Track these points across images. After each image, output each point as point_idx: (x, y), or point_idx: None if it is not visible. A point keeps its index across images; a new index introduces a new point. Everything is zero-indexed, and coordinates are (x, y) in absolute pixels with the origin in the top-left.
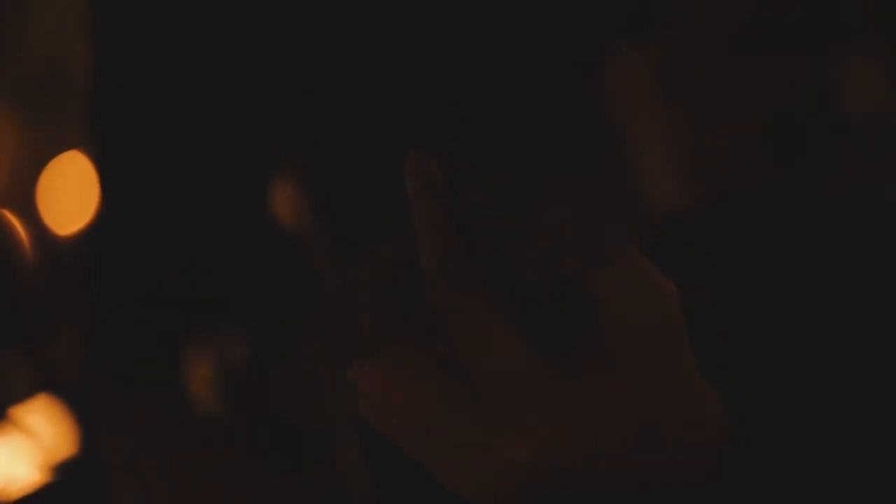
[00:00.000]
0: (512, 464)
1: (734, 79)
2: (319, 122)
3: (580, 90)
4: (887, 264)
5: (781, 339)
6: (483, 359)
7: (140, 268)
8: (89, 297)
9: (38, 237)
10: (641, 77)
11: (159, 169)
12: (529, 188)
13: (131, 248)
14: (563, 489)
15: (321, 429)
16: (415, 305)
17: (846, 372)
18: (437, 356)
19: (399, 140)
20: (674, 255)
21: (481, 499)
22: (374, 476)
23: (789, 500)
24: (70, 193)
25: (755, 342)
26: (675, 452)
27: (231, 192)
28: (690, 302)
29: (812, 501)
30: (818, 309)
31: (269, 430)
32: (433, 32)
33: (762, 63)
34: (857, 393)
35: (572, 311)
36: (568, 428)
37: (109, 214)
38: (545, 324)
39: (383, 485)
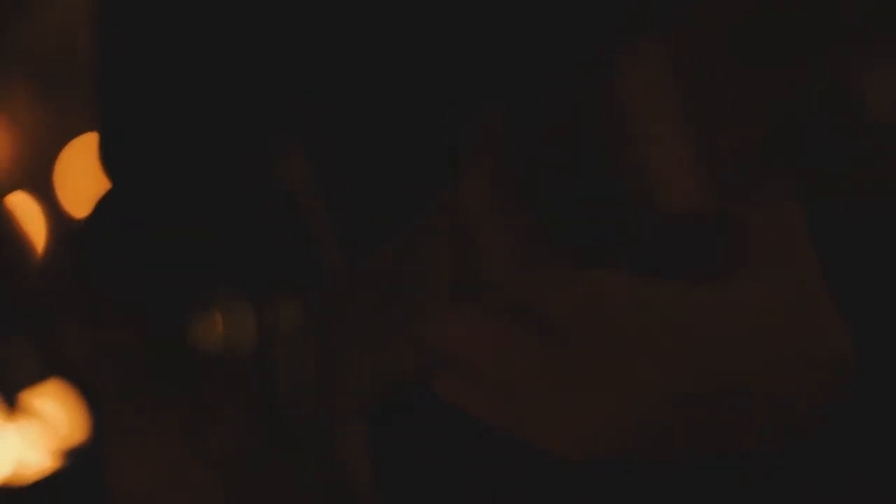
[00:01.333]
0: (611, 410)
1: (736, 79)
2: (320, 120)
3: (580, 90)
4: (889, 265)
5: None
6: (571, 306)
7: (142, 258)
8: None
9: (55, 219)
10: (643, 77)
11: (163, 158)
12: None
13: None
14: (660, 439)
15: (322, 427)
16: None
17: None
18: (516, 310)
19: (400, 139)
20: (678, 253)
21: (576, 451)
22: (375, 476)
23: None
24: (87, 176)
25: None
26: (799, 379)
27: (233, 185)
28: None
29: None
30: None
31: (269, 428)
32: (435, 32)
33: (764, 64)
34: None
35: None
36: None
37: (113, 201)
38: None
39: (383, 485)
